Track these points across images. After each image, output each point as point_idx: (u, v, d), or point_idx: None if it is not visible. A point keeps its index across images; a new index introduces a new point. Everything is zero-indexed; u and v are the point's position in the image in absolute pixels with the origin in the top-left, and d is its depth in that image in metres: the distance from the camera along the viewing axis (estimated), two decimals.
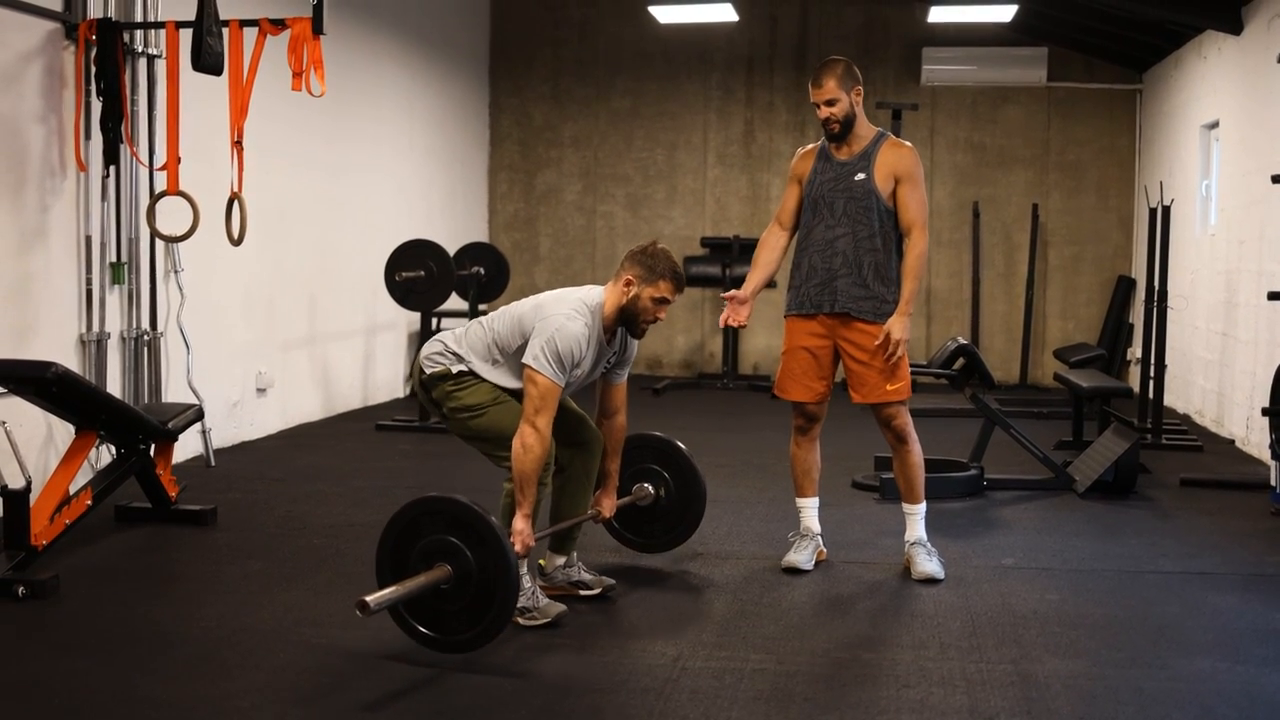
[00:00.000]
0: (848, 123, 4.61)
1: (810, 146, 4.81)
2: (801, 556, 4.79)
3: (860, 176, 4.60)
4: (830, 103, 4.58)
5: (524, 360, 4.01)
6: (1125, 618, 4.23)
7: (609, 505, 4.51)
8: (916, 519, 4.77)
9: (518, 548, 3.87)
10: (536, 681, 3.61)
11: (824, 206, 4.66)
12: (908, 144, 4.70)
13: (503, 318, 4.21)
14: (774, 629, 4.09)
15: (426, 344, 4.34)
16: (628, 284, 4.13)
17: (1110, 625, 4.14)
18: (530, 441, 3.95)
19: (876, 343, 4.59)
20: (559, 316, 4.04)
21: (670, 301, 4.17)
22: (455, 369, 4.18)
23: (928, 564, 4.67)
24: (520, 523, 3.97)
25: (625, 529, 4.86)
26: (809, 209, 4.71)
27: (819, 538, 4.90)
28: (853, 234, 4.61)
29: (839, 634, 4.07)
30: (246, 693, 3.46)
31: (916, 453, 4.76)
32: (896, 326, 4.57)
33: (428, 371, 4.24)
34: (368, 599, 3.38)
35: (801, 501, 4.91)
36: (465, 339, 4.24)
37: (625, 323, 4.20)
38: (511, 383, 4.16)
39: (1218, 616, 4.27)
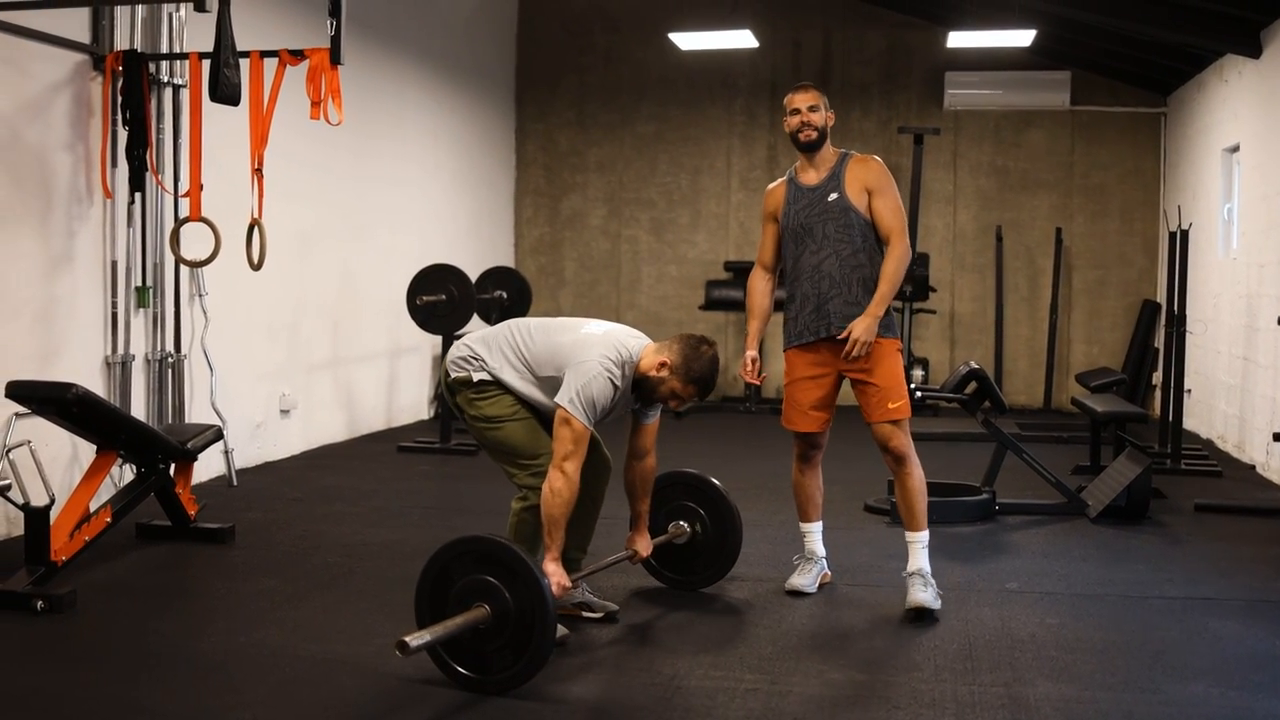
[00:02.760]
0: (823, 136, 4.63)
1: (775, 183, 4.82)
2: (805, 580, 4.82)
3: (834, 196, 4.59)
4: (814, 109, 4.61)
5: (558, 400, 4.06)
6: (1123, 642, 4.24)
7: (644, 545, 4.57)
8: (918, 548, 4.63)
9: (558, 591, 3.96)
10: (531, 699, 3.66)
11: (805, 234, 4.64)
12: (874, 157, 4.71)
13: (538, 336, 4.24)
14: (771, 649, 4.14)
15: (454, 345, 4.40)
16: (662, 365, 4.15)
17: (1107, 650, 4.16)
18: (559, 485, 4.00)
19: (840, 336, 4.55)
20: (595, 364, 4.07)
21: (685, 403, 4.21)
22: (477, 376, 4.24)
23: (921, 593, 4.52)
24: (550, 565, 4.02)
25: (664, 567, 4.91)
26: (791, 240, 4.70)
27: (823, 561, 4.91)
28: (836, 254, 4.59)
29: (835, 655, 4.11)
30: (248, 705, 3.54)
31: (917, 476, 4.67)
32: (859, 326, 4.51)
33: (452, 375, 4.31)
34: (407, 639, 3.36)
35: (805, 526, 4.92)
36: (494, 343, 4.28)
37: (642, 391, 4.22)
38: (532, 394, 4.22)
39: (1216, 642, 4.28)
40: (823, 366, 4.69)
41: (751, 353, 4.76)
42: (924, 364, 11.04)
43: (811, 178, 4.68)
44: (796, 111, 4.64)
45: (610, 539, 4.99)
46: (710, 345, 4.21)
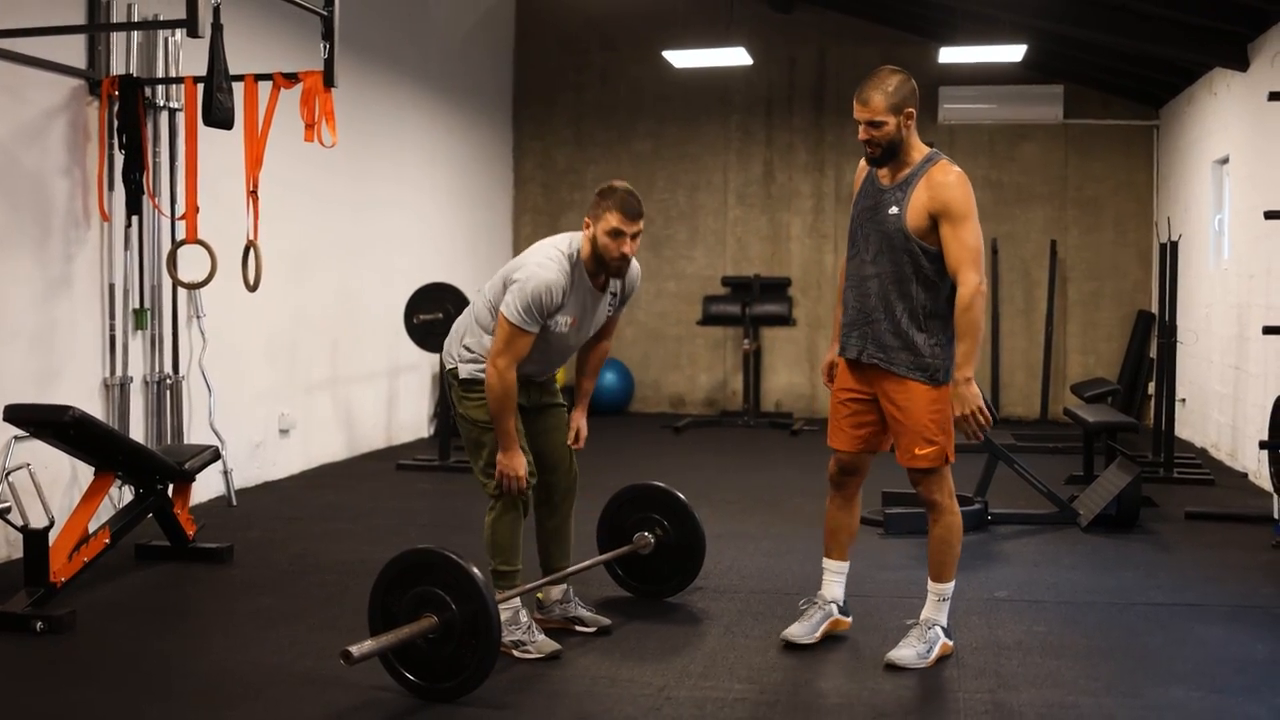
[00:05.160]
0: (892, 149, 4.01)
1: (864, 161, 4.20)
2: (802, 629, 4.27)
3: (893, 211, 4.01)
4: (877, 124, 3.97)
5: (500, 308, 4.11)
6: (1107, 648, 4.30)
7: (580, 420, 4.51)
8: (934, 601, 4.16)
9: (512, 484, 4.10)
10: (524, 712, 3.72)
11: (859, 238, 4.13)
12: (955, 170, 4.01)
13: (493, 279, 4.31)
14: (760, 660, 4.19)
15: (453, 328, 4.45)
16: (586, 226, 4.18)
17: (1091, 656, 4.21)
18: (491, 381, 4.08)
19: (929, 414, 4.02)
20: (531, 265, 4.12)
21: (624, 233, 4.09)
22: (463, 371, 4.26)
23: (905, 649, 4.09)
24: (501, 457, 4.12)
25: (631, 577, 4.99)
26: (850, 236, 4.19)
27: (833, 606, 4.34)
28: (881, 275, 4.06)
29: (824, 665, 4.15)
30: None
31: (946, 525, 4.13)
32: (957, 402, 3.92)
33: (448, 366, 4.36)
34: (351, 649, 3.49)
35: (826, 564, 4.36)
36: (473, 314, 4.33)
37: (601, 265, 4.21)
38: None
39: (1200, 647, 4.33)
40: (864, 387, 4.20)
41: (832, 353, 4.32)
42: None
43: (888, 177, 4.09)
44: (860, 124, 4.04)
45: (589, 552, 5.04)
46: (617, 181, 4.24)
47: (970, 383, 3.93)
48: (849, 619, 4.41)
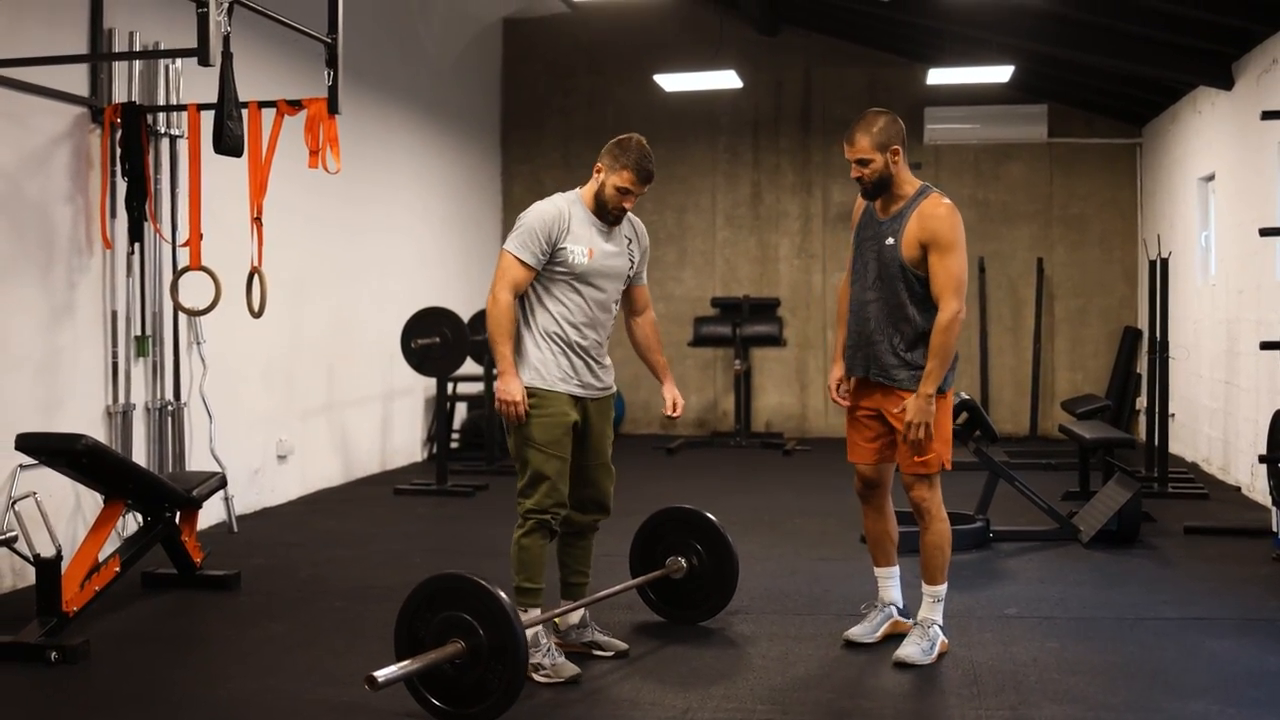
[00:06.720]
0: (882, 183, 4.35)
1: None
2: (861, 628, 4.61)
3: (890, 241, 4.34)
4: (862, 163, 4.32)
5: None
6: (1122, 664, 4.34)
7: (670, 393, 4.73)
8: (929, 601, 4.44)
9: (509, 409, 4.15)
10: None
11: (860, 266, 4.46)
12: (945, 203, 4.33)
13: None
14: (780, 680, 4.21)
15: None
16: (597, 171, 4.30)
17: (1107, 671, 4.25)
18: (490, 309, 4.23)
19: (894, 412, 4.38)
20: (529, 209, 4.31)
21: (632, 192, 4.25)
22: (525, 378, 4.25)
23: (911, 647, 4.34)
24: (500, 384, 4.18)
25: (664, 602, 4.99)
26: (852, 264, 4.52)
27: (893, 608, 4.64)
28: (883, 300, 4.37)
29: (843, 684, 4.18)
30: None
31: (936, 530, 4.42)
32: (911, 409, 4.28)
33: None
34: (376, 674, 3.49)
35: (876, 571, 4.69)
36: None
37: (600, 210, 4.31)
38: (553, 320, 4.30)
39: (1213, 660, 4.38)
40: (871, 405, 4.50)
41: (837, 372, 4.60)
42: None
43: (884, 211, 4.41)
44: (851, 163, 4.40)
45: (615, 574, 5.05)
46: (631, 135, 4.34)
47: (931, 400, 4.29)
48: (910, 620, 4.59)
